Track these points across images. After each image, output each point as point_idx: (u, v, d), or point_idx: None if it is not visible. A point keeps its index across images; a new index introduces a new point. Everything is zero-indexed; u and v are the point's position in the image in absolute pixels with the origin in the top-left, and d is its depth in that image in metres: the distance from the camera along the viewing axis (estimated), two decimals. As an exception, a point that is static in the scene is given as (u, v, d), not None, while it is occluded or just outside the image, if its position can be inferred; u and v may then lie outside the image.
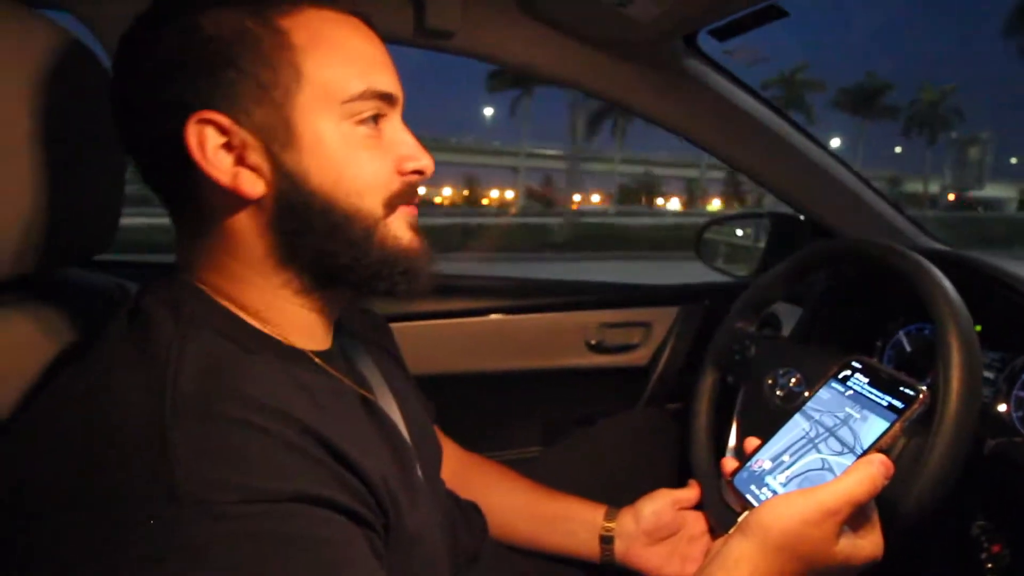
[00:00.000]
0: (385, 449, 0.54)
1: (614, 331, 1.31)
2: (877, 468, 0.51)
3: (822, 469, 0.55)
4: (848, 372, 0.62)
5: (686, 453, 0.92)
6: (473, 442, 0.92)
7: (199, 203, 0.49)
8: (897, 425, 0.54)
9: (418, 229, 0.55)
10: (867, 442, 0.55)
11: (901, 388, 0.57)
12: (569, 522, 0.81)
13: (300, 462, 0.42)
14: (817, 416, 0.61)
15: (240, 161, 0.48)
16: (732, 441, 0.88)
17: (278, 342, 0.51)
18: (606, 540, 0.79)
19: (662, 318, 1.33)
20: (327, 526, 0.42)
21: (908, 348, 1.01)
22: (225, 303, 0.50)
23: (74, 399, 0.43)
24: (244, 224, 0.49)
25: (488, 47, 0.94)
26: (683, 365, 1.31)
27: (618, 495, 0.83)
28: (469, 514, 0.77)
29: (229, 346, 0.47)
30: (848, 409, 0.60)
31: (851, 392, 0.61)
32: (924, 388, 0.55)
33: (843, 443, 0.56)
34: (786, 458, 0.58)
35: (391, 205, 0.52)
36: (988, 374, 0.87)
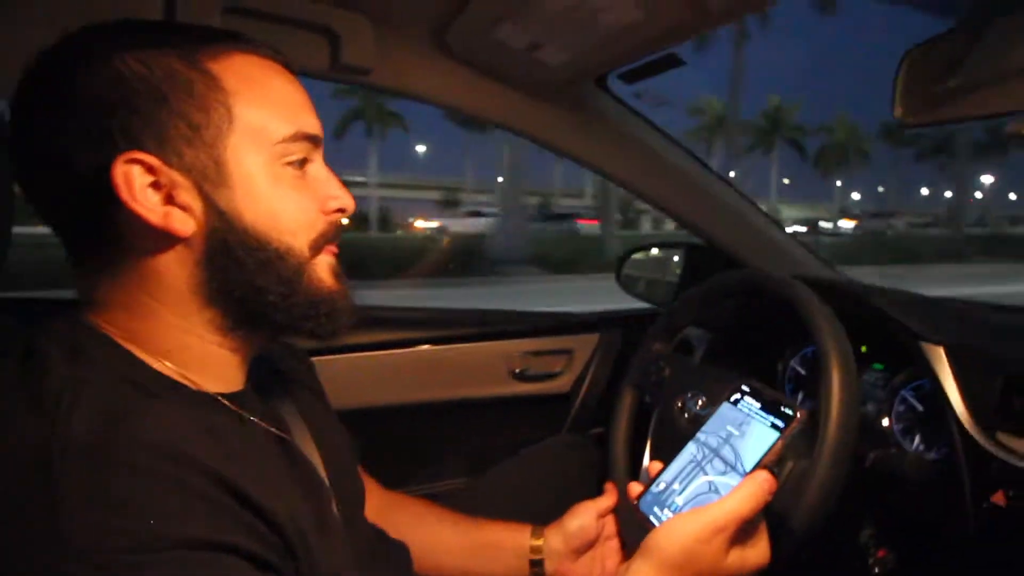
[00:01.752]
0: (298, 490, 0.53)
1: (537, 359, 1.34)
2: (761, 485, 0.56)
3: (709, 492, 0.60)
4: (738, 395, 0.67)
5: (607, 473, 0.94)
6: (399, 475, 0.91)
7: (120, 242, 0.48)
8: (779, 443, 0.59)
9: (339, 272, 0.56)
10: (752, 459, 0.59)
11: (781, 408, 0.62)
12: (497, 550, 0.81)
13: (198, 506, 0.41)
14: (704, 438, 0.66)
15: (168, 200, 0.47)
16: (646, 461, 0.91)
17: (184, 386, 0.50)
18: (535, 563, 0.80)
19: (583, 345, 1.37)
20: (226, 572, 0.41)
21: (803, 370, 1.09)
22: (129, 345, 0.49)
23: None
24: (170, 262, 0.49)
25: (405, 84, 0.96)
26: (604, 391, 1.35)
27: (545, 521, 0.84)
28: (394, 552, 0.76)
29: (129, 390, 0.45)
30: (730, 428, 0.65)
31: (741, 414, 0.66)
32: (801, 408, 0.60)
33: (726, 463, 0.61)
34: (676, 485, 0.63)
35: (317, 247, 0.53)
36: (874, 391, 0.95)
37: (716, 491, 0.59)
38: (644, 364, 0.99)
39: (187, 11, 0.79)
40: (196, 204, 0.48)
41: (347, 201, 0.55)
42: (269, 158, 0.50)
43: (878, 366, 0.96)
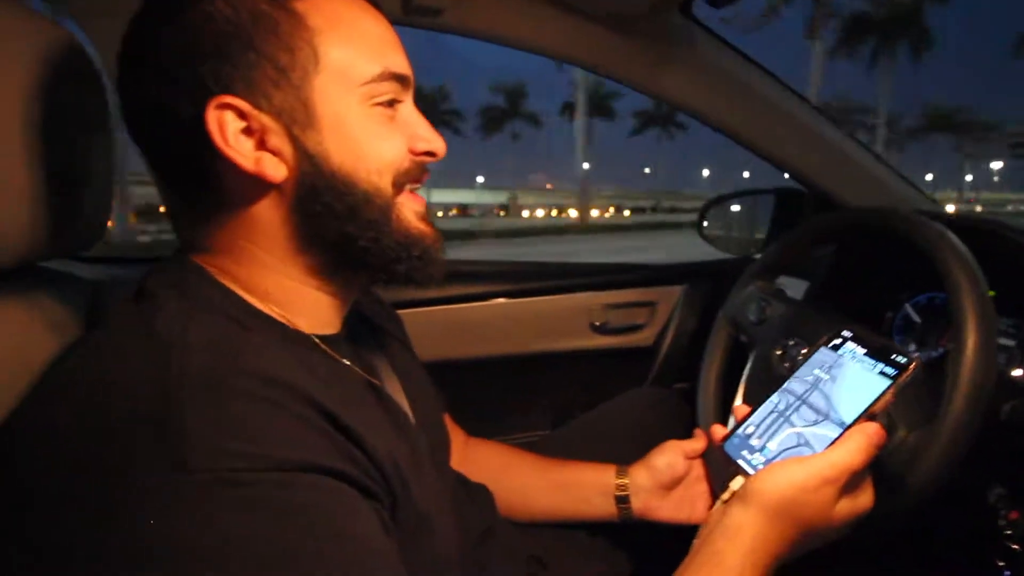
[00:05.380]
0: (392, 431, 0.54)
1: (618, 312, 1.30)
2: (871, 438, 0.53)
3: (799, 445, 0.56)
4: (839, 340, 0.63)
5: (695, 408, 0.91)
6: (481, 428, 0.91)
7: (219, 188, 0.49)
8: (890, 391, 0.55)
9: (428, 219, 0.55)
10: (854, 409, 0.55)
11: (893, 356, 0.57)
12: (583, 488, 0.81)
13: (307, 432, 0.42)
14: (788, 385, 0.63)
15: (261, 145, 0.48)
16: (738, 401, 0.87)
17: (283, 325, 0.51)
18: (622, 500, 0.79)
19: (666, 297, 1.31)
20: (335, 496, 0.42)
21: (917, 319, 0.99)
22: (231, 285, 0.50)
23: (83, 378, 0.44)
24: (266, 209, 0.50)
25: (480, 24, 0.92)
26: (688, 344, 1.29)
27: None
28: (477, 495, 0.77)
29: (233, 327, 0.47)
30: (819, 372, 0.61)
31: (836, 358, 0.61)
32: (916, 356, 0.56)
33: (817, 411, 0.58)
34: (761, 434, 0.60)
35: (399, 184, 0.52)
36: (1004, 340, 0.85)
37: (807, 443, 0.56)
38: (743, 303, 0.93)
39: None
40: (286, 148, 0.48)
41: (438, 144, 0.54)
42: (357, 98, 0.49)
43: (1009, 314, 0.86)
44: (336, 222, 0.50)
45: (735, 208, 1.53)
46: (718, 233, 1.51)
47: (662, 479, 0.77)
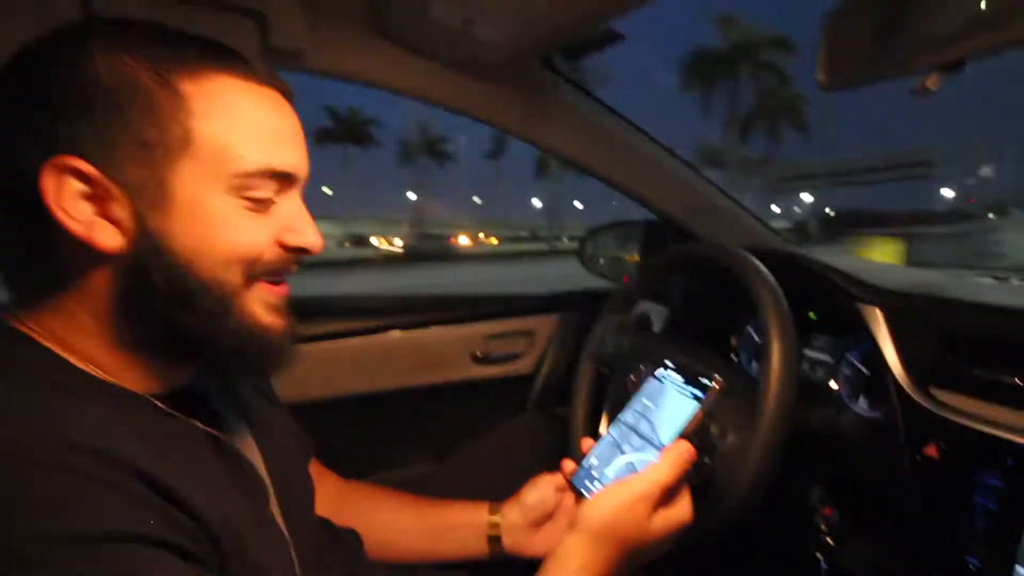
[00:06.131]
0: (233, 489, 0.53)
1: (499, 342, 1.34)
2: (681, 455, 0.59)
3: (628, 472, 0.62)
4: (662, 370, 0.69)
5: (569, 449, 0.95)
6: (365, 464, 0.90)
7: (49, 246, 0.47)
8: (699, 413, 0.62)
9: (283, 310, 0.54)
10: (670, 432, 0.62)
11: (701, 379, 0.64)
12: (455, 530, 0.82)
13: (118, 501, 0.41)
14: (623, 416, 0.68)
15: (101, 212, 0.46)
16: (602, 429, 0.92)
17: (112, 386, 0.49)
18: (493, 539, 0.80)
19: (544, 326, 1.37)
20: (150, 564, 0.41)
21: (758, 339, 1.11)
22: (54, 347, 0.48)
23: None
24: (96, 276, 0.48)
25: (342, 67, 0.94)
26: (565, 370, 1.35)
27: None
28: (344, 540, 0.76)
29: (50, 392, 0.45)
30: (647, 402, 0.67)
31: (660, 386, 0.68)
32: (717, 376, 0.63)
33: (643, 437, 0.64)
34: (602, 463, 0.65)
35: (254, 276, 0.50)
36: (822, 356, 0.97)
37: (635, 469, 0.62)
38: (602, 336, 1.00)
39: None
40: (127, 221, 0.46)
41: (312, 239, 0.52)
42: (224, 188, 0.47)
43: (828, 332, 0.98)
44: (165, 303, 0.48)
45: (612, 238, 1.63)
46: (597, 262, 1.61)
47: (533, 515, 0.79)
